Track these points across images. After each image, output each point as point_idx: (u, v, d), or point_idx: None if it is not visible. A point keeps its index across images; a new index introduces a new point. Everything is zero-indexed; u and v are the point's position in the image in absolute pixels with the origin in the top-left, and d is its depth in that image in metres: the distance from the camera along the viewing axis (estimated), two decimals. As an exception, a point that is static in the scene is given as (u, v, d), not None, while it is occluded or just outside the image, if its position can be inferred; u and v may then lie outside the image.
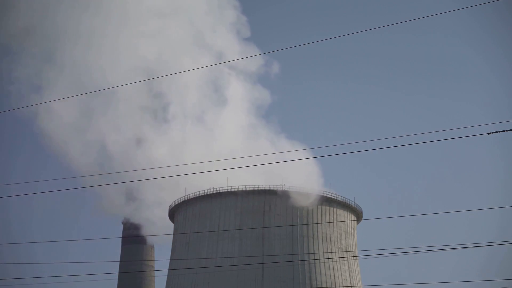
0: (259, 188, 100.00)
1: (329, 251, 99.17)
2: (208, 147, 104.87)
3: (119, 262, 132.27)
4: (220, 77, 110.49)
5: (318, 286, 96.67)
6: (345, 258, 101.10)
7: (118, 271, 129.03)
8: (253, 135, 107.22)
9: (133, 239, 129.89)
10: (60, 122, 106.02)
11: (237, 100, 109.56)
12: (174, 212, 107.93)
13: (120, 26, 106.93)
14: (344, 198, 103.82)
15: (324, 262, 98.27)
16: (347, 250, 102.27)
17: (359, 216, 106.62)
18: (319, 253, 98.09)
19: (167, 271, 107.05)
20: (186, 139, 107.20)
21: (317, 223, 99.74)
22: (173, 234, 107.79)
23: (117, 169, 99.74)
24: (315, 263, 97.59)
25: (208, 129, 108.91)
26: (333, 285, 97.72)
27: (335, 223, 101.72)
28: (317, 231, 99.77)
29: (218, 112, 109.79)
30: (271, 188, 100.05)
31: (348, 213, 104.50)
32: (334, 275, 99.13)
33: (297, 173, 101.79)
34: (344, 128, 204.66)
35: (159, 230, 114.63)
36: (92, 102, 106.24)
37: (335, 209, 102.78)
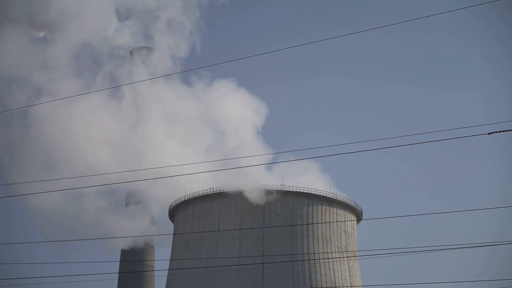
0: (260, 188, 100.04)
1: (329, 251, 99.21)
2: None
3: (119, 262, 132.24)
4: None
5: (318, 286, 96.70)
6: (345, 258, 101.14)
7: (118, 271, 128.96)
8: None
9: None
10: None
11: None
12: (174, 212, 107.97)
13: None
14: (344, 198, 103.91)
15: (324, 262, 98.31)
16: (347, 250, 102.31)
17: (359, 216, 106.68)
18: (319, 253, 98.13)
19: (167, 271, 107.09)
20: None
21: (317, 223, 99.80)
22: (173, 234, 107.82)
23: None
24: (315, 263, 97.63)
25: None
26: (333, 285, 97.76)
27: (335, 223, 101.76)
28: (317, 231, 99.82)
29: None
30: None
31: (348, 213, 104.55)
32: (334, 275, 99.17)
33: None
34: (343, 128, 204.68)
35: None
36: None
37: (335, 209, 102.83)
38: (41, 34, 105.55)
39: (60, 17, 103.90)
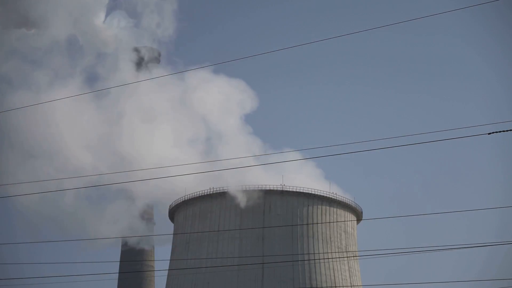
0: (260, 188, 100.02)
1: (329, 251, 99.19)
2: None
3: (119, 262, 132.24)
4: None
5: (318, 286, 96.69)
6: (345, 258, 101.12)
7: (118, 271, 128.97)
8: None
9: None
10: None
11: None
12: (174, 212, 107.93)
13: None
14: (344, 198, 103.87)
15: (324, 262, 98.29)
16: (347, 250, 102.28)
17: (359, 216, 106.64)
18: (319, 253, 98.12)
19: (167, 271, 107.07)
20: None
21: (317, 223, 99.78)
22: (173, 234, 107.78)
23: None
24: (315, 263, 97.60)
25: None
26: (333, 285, 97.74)
27: (335, 223, 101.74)
28: (317, 231, 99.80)
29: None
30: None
31: (348, 213, 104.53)
32: (334, 275, 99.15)
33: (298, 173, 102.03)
34: (344, 128, 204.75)
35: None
36: None
37: (335, 209, 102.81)
38: (25, 28, 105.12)
39: (45, 10, 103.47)
